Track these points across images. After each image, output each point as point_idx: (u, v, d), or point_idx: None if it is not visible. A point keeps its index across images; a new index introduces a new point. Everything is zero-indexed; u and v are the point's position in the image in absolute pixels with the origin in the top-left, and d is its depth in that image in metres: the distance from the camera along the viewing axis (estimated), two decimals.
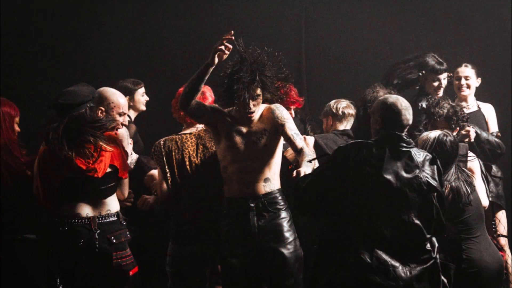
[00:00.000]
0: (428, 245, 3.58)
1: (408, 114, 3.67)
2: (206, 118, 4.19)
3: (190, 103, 4.09)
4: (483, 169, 5.08)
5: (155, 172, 4.61)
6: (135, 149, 4.86)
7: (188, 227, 4.36)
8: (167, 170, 4.39)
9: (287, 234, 4.12)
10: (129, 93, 5.36)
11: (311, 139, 4.84)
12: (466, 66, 5.65)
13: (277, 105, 4.23)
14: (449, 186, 4.34)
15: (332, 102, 5.22)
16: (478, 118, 5.59)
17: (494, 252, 4.40)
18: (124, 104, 4.46)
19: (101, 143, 3.97)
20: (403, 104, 3.68)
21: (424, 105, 5.37)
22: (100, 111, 4.30)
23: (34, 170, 4.08)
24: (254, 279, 4.18)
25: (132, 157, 4.69)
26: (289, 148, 4.46)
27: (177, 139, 4.43)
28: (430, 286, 3.56)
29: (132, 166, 4.62)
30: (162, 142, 4.44)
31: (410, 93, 5.68)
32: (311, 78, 6.81)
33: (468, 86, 5.64)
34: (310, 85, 6.79)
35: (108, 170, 4.04)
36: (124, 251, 4.07)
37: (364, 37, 6.67)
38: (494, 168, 5.48)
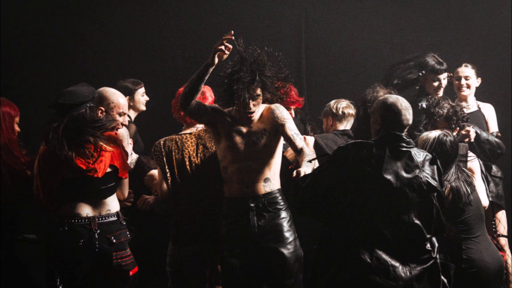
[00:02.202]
0: (428, 245, 3.58)
1: (408, 114, 3.67)
2: (206, 118, 4.19)
3: (190, 103, 4.09)
4: (483, 169, 5.08)
5: (155, 172, 4.61)
6: (135, 149, 4.86)
7: (188, 227, 4.36)
8: (167, 170, 4.39)
9: (287, 234, 4.12)
10: (129, 93, 5.37)
11: (311, 139, 4.83)
12: (466, 66, 5.65)
13: (277, 105, 4.23)
14: (449, 186, 4.34)
15: (332, 102, 5.22)
16: (478, 118, 5.58)
17: (494, 252, 4.40)
18: (124, 104, 4.45)
19: (101, 143, 3.96)
20: (403, 104, 3.68)
21: (424, 105, 5.36)
22: (100, 111, 4.30)
23: (34, 170, 4.08)
24: (254, 279, 4.17)
25: (132, 157, 4.69)
26: (289, 148, 4.46)
27: (177, 139, 4.43)
28: (430, 286, 3.56)
29: (132, 166, 4.62)
30: (162, 142, 4.44)
31: (410, 93, 5.68)
32: (311, 78, 6.82)
33: (468, 86, 5.64)
34: (310, 85, 6.80)
35: (108, 170, 4.04)
36: (124, 251, 4.07)
37: (364, 37, 6.68)
38: (494, 168, 5.48)
